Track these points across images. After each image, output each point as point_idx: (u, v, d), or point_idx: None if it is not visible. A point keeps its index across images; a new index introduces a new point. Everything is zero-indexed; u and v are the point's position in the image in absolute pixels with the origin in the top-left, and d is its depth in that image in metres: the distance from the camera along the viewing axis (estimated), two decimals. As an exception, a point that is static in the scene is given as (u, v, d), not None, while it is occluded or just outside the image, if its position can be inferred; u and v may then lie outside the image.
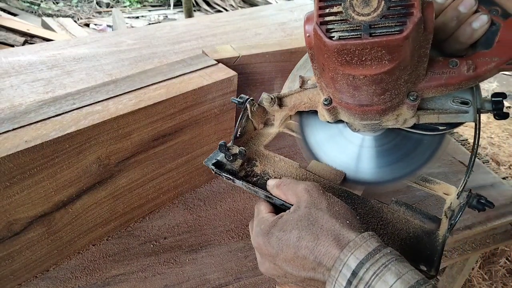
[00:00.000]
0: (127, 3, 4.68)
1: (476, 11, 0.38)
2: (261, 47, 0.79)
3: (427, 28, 0.33)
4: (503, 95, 0.42)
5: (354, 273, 0.35)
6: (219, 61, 0.74)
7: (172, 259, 0.66)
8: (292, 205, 0.43)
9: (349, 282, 0.35)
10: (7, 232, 0.54)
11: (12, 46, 2.52)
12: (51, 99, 0.61)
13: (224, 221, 0.74)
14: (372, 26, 0.32)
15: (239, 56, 0.76)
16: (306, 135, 0.53)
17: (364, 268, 0.35)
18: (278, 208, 0.46)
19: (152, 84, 0.66)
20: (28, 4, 4.12)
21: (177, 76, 0.69)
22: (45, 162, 0.53)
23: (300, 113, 0.53)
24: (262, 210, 0.45)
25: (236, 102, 0.52)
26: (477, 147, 0.45)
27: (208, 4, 4.62)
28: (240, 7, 4.73)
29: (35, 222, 0.57)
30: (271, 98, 0.52)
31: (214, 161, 0.50)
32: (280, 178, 0.48)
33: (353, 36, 0.32)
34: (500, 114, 0.42)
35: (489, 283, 1.56)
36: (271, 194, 0.46)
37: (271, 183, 0.46)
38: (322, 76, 0.40)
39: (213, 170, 0.49)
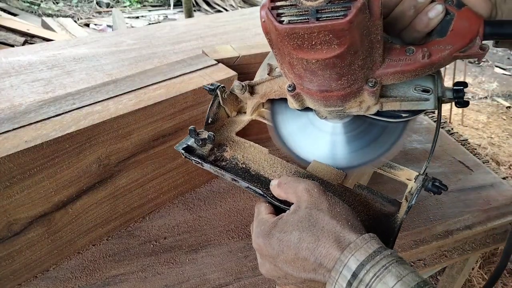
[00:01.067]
0: (127, 3, 4.68)
1: (432, 1, 0.39)
2: (261, 47, 0.79)
3: (373, 13, 0.34)
4: (464, 84, 0.44)
5: (354, 275, 0.35)
6: (219, 61, 0.74)
7: (172, 259, 0.66)
8: (292, 204, 0.43)
9: (349, 284, 0.35)
10: (7, 232, 0.54)
11: (12, 46, 2.52)
12: (51, 99, 0.61)
13: (224, 221, 0.74)
14: (319, 11, 0.33)
15: (239, 56, 0.76)
16: (277, 123, 0.55)
17: (364, 269, 0.35)
18: (278, 208, 0.46)
19: (152, 84, 0.66)
20: (28, 4, 4.12)
21: (177, 76, 0.69)
22: (45, 162, 0.53)
23: (271, 101, 0.54)
24: (262, 211, 0.45)
25: (207, 89, 0.53)
26: (438, 133, 0.47)
27: (208, 4, 4.62)
28: (240, 7, 4.73)
29: (35, 222, 0.57)
30: (242, 86, 0.53)
31: (184, 146, 0.51)
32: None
33: (301, 21, 0.34)
34: (461, 102, 0.44)
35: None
36: (251, 185, 0.47)
37: (273, 183, 0.47)
38: (281, 62, 0.41)
39: (182, 154, 0.51)
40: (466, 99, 0.44)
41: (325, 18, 0.33)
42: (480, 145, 2.52)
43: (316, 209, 0.40)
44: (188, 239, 0.70)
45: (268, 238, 0.41)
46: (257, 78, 0.54)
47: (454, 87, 0.44)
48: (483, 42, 0.39)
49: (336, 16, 0.33)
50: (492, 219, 0.80)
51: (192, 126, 0.50)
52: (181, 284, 0.63)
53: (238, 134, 0.56)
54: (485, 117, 2.92)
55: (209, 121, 0.53)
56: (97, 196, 0.63)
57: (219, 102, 0.54)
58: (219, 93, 0.53)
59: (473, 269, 1.59)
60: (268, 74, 0.51)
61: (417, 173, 0.47)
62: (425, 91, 0.43)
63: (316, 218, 0.39)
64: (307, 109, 0.48)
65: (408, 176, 0.50)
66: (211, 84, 0.53)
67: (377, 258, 0.35)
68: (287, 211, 0.42)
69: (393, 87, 0.44)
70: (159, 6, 4.79)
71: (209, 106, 0.53)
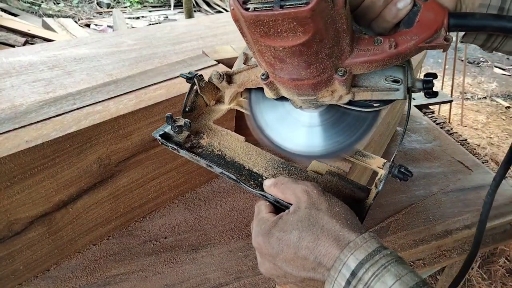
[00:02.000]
0: (128, 4, 4.68)
1: None
2: (261, 48, 0.80)
3: (336, 2, 0.35)
4: (433, 75, 0.44)
5: (353, 273, 0.35)
6: (219, 61, 0.75)
7: (172, 258, 0.67)
8: (291, 204, 0.43)
9: (348, 282, 0.35)
10: (8, 231, 0.54)
11: (13, 46, 2.53)
12: (52, 99, 0.61)
13: (224, 221, 0.74)
14: None
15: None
16: (255, 113, 0.55)
17: (363, 268, 0.35)
18: (278, 208, 0.46)
19: (152, 84, 0.66)
20: (29, 5, 4.12)
21: (177, 77, 0.69)
22: (46, 162, 0.53)
23: (249, 91, 0.55)
24: (263, 210, 0.45)
25: (185, 77, 0.54)
26: (407, 123, 0.48)
27: (208, 5, 4.63)
28: (240, 7, 4.73)
29: (35, 222, 0.57)
30: (220, 75, 0.53)
31: (161, 132, 0.52)
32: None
33: (266, 8, 0.35)
34: (430, 93, 0.44)
35: (488, 283, 1.56)
36: (225, 170, 0.48)
37: (267, 183, 0.47)
38: (253, 50, 0.42)
39: (159, 141, 0.51)
40: (435, 91, 0.45)
41: (288, 6, 0.34)
42: (479, 145, 2.52)
43: (316, 209, 0.40)
44: (188, 238, 0.70)
45: (268, 237, 0.41)
46: (235, 68, 0.55)
47: (424, 78, 0.44)
48: (448, 33, 0.40)
49: (299, 4, 0.33)
50: (492, 219, 0.81)
51: (169, 113, 0.51)
52: (181, 284, 0.63)
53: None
54: (485, 117, 2.92)
55: (187, 109, 0.54)
56: (98, 196, 0.63)
57: (197, 90, 0.55)
58: (196, 81, 0.53)
59: (472, 268, 1.59)
60: (244, 63, 0.52)
61: (385, 161, 0.49)
62: (395, 81, 0.44)
63: (316, 217, 0.40)
64: (283, 98, 0.49)
65: (379, 165, 0.51)
66: (189, 72, 0.54)
67: (376, 258, 0.36)
68: (287, 211, 0.43)
69: (364, 77, 0.45)
70: (160, 6, 4.79)
71: (187, 94, 0.54)
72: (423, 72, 3.49)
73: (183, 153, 0.50)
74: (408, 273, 0.35)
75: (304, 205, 0.41)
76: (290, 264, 0.39)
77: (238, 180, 0.47)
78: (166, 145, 0.51)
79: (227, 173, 0.47)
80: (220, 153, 0.52)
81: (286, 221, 0.41)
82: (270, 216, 0.43)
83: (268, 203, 0.47)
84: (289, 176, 0.49)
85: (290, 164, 0.50)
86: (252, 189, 0.47)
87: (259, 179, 0.49)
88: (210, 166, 0.49)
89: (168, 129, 0.52)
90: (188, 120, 0.51)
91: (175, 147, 0.50)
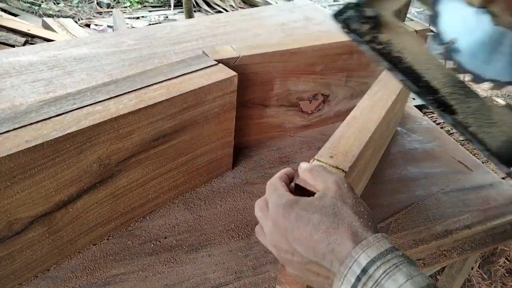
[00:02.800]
0: (128, 4, 4.68)
1: None
2: (261, 48, 0.80)
3: None
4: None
5: (364, 270, 0.35)
6: (219, 61, 0.75)
7: (172, 258, 0.67)
8: (314, 193, 0.43)
9: (358, 279, 0.35)
10: (8, 231, 0.54)
11: (13, 46, 2.53)
12: (52, 99, 0.61)
13: (224, 221, 0.74)
14: None
15: (239, 57, 0.76)
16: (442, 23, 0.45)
17: (374, 266, 0.35)
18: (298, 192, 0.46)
19: (152, 84, 0.66)
20: (28, 5, 4.12)
21: (177, 76, 0.69)
22: (46, 162, 0.53)
23: None
24: (281, 188, 0.45)
25: None
26: None
27: (208, 5, 4.62)
28: (240, 7, 4.73)
29: (35, 222, 0.57)
30: None
31: (344, 16, 0.44)
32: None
33: None
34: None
35: (488, 283, 1.56)
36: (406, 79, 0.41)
37: (303, 166, 0.47)
38: None
39: (342, 27, 0.44)
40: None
41: None
42: (480, 145, 2.52)
43: (342, 201, 0.41)
44: (188, 238, 0.70)
45: (288, 210, 0.41)
46: None
47: None
48: None
49: None
50: (492, 219, 0.81)
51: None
52: (181, 284, 0.63)
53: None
54: (485, 117, 2.92)
55: None
56: (98, 196, 0.63)
57: None
58: None
59: (472, 268, 1.59)
60: None
61: None
62: None
63: (340, 209, 0.40)
64: (491, 12, 0.39)
65: None
66: None
67: (388, 257, 0.36)
68: (311, 197, 0.43)
69: None
70: (160, 6, 4.79)
71: None
72: (423, 72, 3.49)
73: (365, 48, 0.43)
74: (420, 275, 0.35)
75: (331, 194, 0.42)
76: (302, 243, 0.39)
77: (419, 92, 0.41)
78: (347, 33, 0.44)
79: (408, 83, 0.40)
80: (399, 55, 0.44)
81: (310, 202, 0.41)
82: (291, 194, 0.43)
83: (283, 182, 0.46)
84: (466, 97, 0.42)
85: (467, 85, 0.43)
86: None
87: (436, 96, 0.42)
88: (391, 70, 0.42)
89: (349, 13, 0.45)
90: (379, 13, 0.44)
91: (359, 38, 0.43)
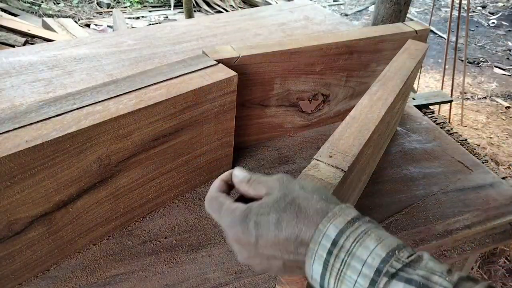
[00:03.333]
0: (128, 4, 4.68)
1: None
2: (261, 48, 0.80)
3: None
4: None
5: (334, 242, 0.35)
6: (219, 61, 0.75)
7: (172, 258, 0.67)
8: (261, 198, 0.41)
9: (330, 252, 0.34)
10: (8, 231, 0.54)
11: (13, 46, 2.53)
12: (52, 99, 0.61)
13: (224, 221, 0.74)
14: None
15: (239, 57, 0.76)
16: None
17: (344, 235, 0.35)
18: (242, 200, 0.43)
19: (152, 84, 0.66)
20: (28, 5, 4.12)
21: (177, 76, 0.69)
22: (46, 162, 0.53)
23: None
24: (225, 201, 0.42)
25: None
26: None
27: (208, 5, 4.62)
28: (240, 7, 4.73)
29: (35, 222, 0.57)
30: None
31: None
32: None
33: None
34: None
35: (489, 283, 1.56)
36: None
37: (238, 174, 0.43)
38: None
39: None
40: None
41: None
42: (479, 145, 2.52)
43: (289, 190, 0.39)
44: (188, 238, 0.70)
45: (245, 224, 0.38)
46: None
47: None
48: None
49: None
50: (492, 219, 0.81)
51: None
52: (181, 283, 0.63)
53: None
54: (485, 117, 2.92)
55: None
56: (98, 196, 0.63)
57: None
58: None
59: (472, 268, 1.59)
60: None
61: None
62: None
63: (292, 197, 0.38)
64: None
65: None
66: None
67: (356, 225, 0.35)
68: (260, 200, 0.40)
69: None
70: (160, 6, 4.79)
71: None
72: (423, 72, 3.49)
73: None
74: (389, 237, 0.35)
75: (277, 189, 0.40)
76: (272, 248, 0.38)
77: None
78: None
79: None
80: None
81: (261, 204, 0.39)
82: (239, 204, 0.40)
83: (225, 194, 0.43)
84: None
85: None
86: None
87: None
88: None
89: None
90: None
91: None
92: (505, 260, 1.63)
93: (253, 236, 0.38)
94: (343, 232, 0.35)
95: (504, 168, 2.30)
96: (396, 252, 0.34)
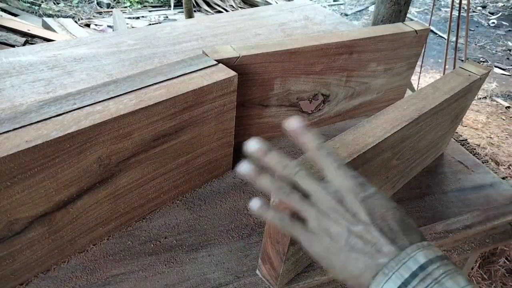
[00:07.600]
0: (128, 4, 4.68)
1: None
2: (261, 48, 0.80)
3: None
4: None
5: (422, 267, 0.34)
6: (219, 61, 0.75)
7: (172, 258, 0.67)
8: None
9: (414, 275, 0.34)
10: (8, 231, 0.54)
11: (13, 46, 2.53)
12: (52, 99, 0.61)
13: (225, 221, 0.74)
14: None
15: (239, 57, 0.76)
16: None
17: (434, 265, 0.34)
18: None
19: (152, 84, 0.66)
20: (28, 5, 4.12)
21: (177, 76, 0.69)
22: (46, 162, 0.53)
23: None
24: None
25: None
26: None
27: (209, 5, 4.62)
28: (240, 7, 4.73)
29: (35, 222, 0.57)
30: None
31: None
32: None
33: None
34: None
35: (488, 283, 1.56)
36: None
37: (295, 124, 0.45)
38: None
39: None
40: None
41: None
42: (479, 145, 2.52)
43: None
44: (188, 238, 0.70)
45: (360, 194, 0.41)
46: None
47: None
48: None
49: None
50: (492, 219, 0.81)
51: None
52: (181, 284, 0.63)
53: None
54: (485, 117, 2.92)
55: None
56: (98, 196, 0.63)
57: None
58: None
59: (472, 268, 1.59)
60: None
61: None
62: None
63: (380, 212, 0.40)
64: None
65: None
66: None
67: (446, 261, 0.35)
68: None
69: None
70: (160, 6, 4.79)
71: None
72: (423, 72, 3.49)
73: None
74: (471, 285, 0.35)
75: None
76: (367, 234, 0.38)
77: None
78: None
79: None
80: None
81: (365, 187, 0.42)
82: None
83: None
84: None
85: None
86: None
87: None
88: None
89: None
90: None
91: None
92: (505, 260, 1.63)
93: (363, 210, 0.39)
94: (432, 262, 0.35)
95: (504, 168, 2.30)
96: None
